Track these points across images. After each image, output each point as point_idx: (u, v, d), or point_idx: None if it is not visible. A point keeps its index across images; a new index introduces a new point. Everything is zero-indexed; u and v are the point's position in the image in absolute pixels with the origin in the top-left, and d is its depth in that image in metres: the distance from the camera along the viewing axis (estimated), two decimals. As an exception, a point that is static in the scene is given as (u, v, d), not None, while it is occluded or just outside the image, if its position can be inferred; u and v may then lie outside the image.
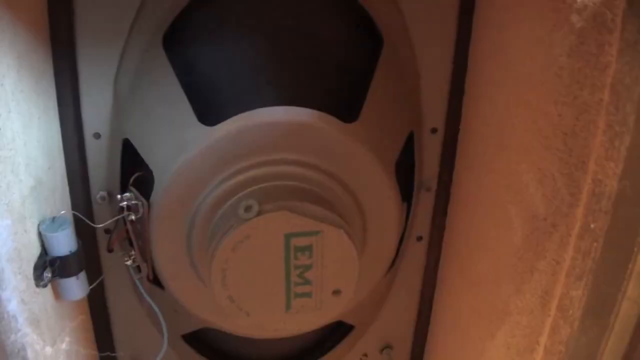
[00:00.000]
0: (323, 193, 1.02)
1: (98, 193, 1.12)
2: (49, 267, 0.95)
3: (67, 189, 1.10)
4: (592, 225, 0.77)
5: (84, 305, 1.20)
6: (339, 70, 1.11)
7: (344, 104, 1.06)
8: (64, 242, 0.97)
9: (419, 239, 1.31)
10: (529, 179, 0.94)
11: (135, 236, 1.05)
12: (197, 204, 1.01)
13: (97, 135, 1.09)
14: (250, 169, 0.99)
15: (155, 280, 1.13)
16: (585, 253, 0.79)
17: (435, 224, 1.29)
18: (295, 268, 1.01)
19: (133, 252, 1.08)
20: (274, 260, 0.99)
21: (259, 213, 0.95)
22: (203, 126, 0.98)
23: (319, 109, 0.99)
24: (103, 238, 1.16)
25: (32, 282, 0.91)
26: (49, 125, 1.02)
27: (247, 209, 0.94)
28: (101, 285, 1.20)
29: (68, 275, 0.99)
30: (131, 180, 1.03)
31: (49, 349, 0.97)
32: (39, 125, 0.97)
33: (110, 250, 1.16)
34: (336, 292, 1.04)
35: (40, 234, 0.95)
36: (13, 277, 0.84)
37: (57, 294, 1.01)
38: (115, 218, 1.05)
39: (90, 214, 1.13)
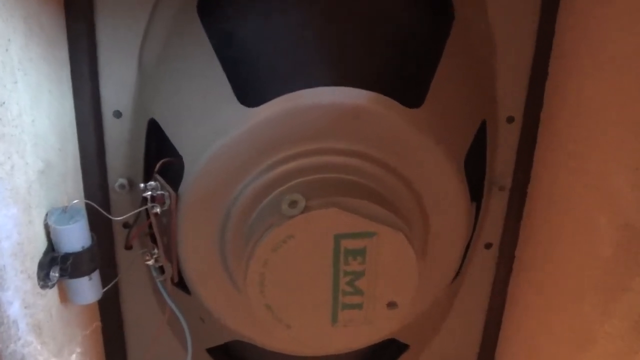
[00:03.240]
0: (380, 189, 1.01)
1: (117, 180, 1.12)
2: (57, 266, 0.93)
3: (80, 174, 1.10)
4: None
5: (96, 311, 1.21)
6: (401, 47, 1.09)
7: (407, 86, 1.05)
8: (76, 237, 0.95)
9: (488, 246, 1.29)
10: (622, 180, 0.91)
11: (159, 232, 1.05)
12: (233, 196, 1.01)
13: (117, 114, 1.09)
14: (296, 158, 0.99)
15: (180, 284, 1.13)
16: (689, 270, 0.76)
17: (508, 229, 1.27)
18: (344, 275, 1.00)
19: (156, 250, 1.08)
20: (321, 265, 0.99)
21: (305, 209, 0.94)
22: (243, 107, 0.97)
23: (377, 91, 0.98)
24: (120, 233, 1.17)
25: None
26: (61, 100, 1.02)
27: (292, 204, 0.94)
28: (115, 288, 1.20)
29: (79, 275, 0.96)
30: (157, 166, 1.02)
31: (53, 361, 1.00)
32: (49, 100, 0.96)
33: (128, 247, 1.15)
34: (391, 305, 1.03)
35: (46, 226, 0.94)
36: (16, 276, 0.83)
37: (65, 297, 1.00)
38: (137, 210, 1.05)
39: (106, 205, 1.13)
